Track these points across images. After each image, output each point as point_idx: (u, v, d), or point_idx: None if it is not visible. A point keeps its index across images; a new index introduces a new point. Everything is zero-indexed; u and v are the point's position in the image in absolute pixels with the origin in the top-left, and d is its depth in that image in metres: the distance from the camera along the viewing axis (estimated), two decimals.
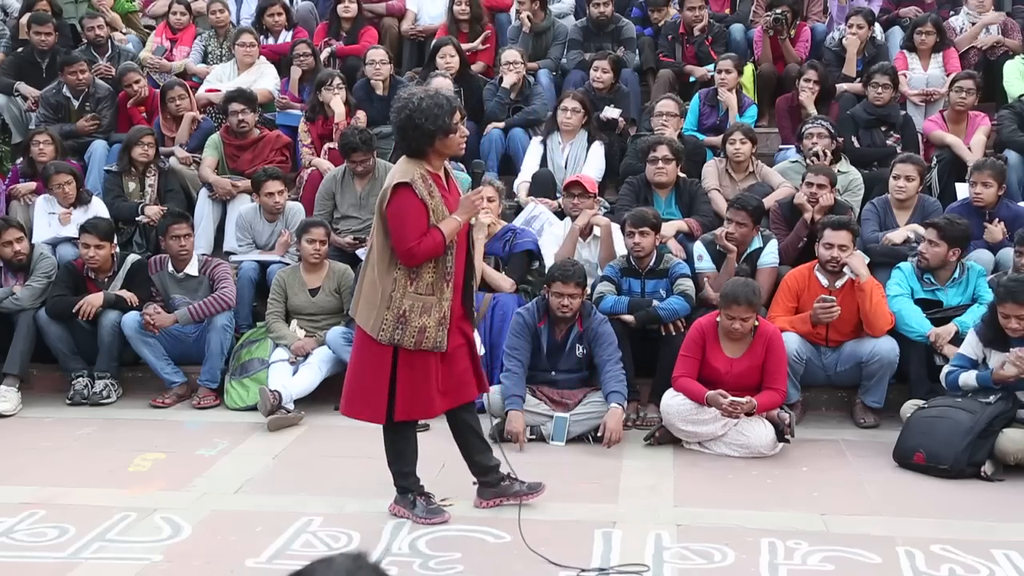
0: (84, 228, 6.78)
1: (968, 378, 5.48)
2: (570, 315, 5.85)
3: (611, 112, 8.06)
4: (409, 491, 4.73)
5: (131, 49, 9.65)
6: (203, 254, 7.25)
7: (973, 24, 8.86)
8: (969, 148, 7.59)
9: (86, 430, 6.14)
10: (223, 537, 4.55)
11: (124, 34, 10.02)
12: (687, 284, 6.30)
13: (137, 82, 8.62)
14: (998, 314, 5.42)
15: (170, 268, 6.88)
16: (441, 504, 4.84)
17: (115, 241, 6.98)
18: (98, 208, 7.46)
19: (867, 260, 6.24)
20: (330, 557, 1.85)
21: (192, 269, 6.86)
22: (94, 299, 6.65)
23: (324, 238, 6.78)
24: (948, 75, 8.28)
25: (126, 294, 6.73)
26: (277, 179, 7.38)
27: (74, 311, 6.62)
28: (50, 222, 7.44)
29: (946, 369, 5.66)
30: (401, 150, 4.67)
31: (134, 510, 4.79)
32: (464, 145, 7.45)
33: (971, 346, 5.60)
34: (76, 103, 8.49)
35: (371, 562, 1.84)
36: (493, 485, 4.81)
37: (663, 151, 7.06)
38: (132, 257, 6.95)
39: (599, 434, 5.70)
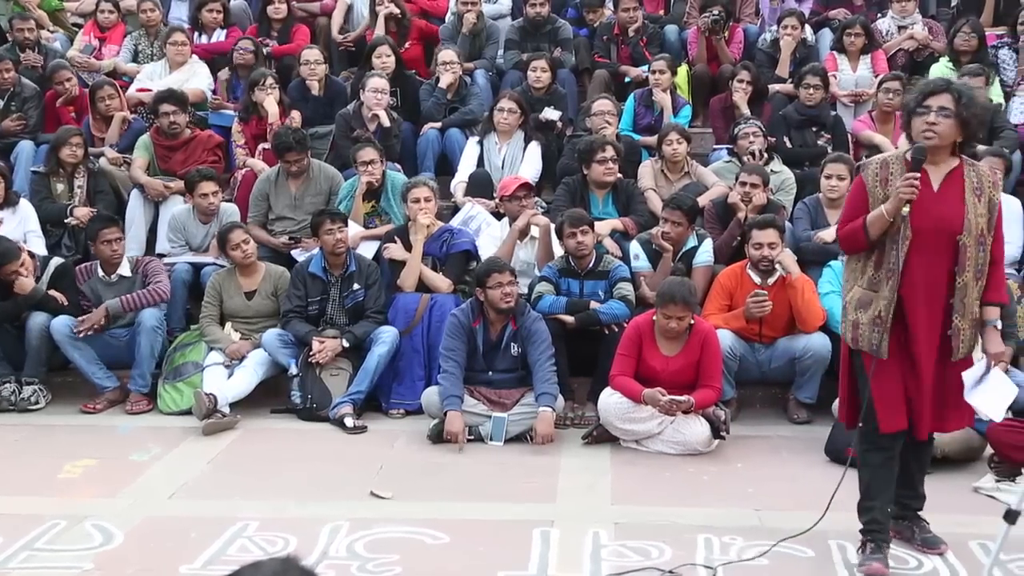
0: None
1: None
2: (513, 304, 5.87)
3: (551, 114, 8.07)
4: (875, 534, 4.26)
5: (58, 48, 9.45)
6: (132, 256, 7.09)
7: (900, 28, 9.04)
8: (896, 147, 7.75)
9: (14, 437, 6.01)
10: (156, 544, 4.47)
11: (51, 32, 9.82)
12: (627, 289, 6.32)
13: (68, 80, 8.44)
14: None
15: (100, 273, 6.74)
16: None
17: (20, 259, 6.56)
18: (25, 210, 7.28)
19: (795, 258, 6.35)
20: (259, 562, 1.83)
21: (124, 270, 6.75)
22: (25, 283, 6.49)
23: (245, 237, 6.69)
24: (876, 76, 8.44)
25: (55, 294, 6.59)
26: (211, 180, 7.27)
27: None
28: None
29: None
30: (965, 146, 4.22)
31: (64, 518, 4.70)
32: None
33: None
34: (1, 102, 8.29)
35: (300, 565, 1.83)
36: (905, 520, 4.45)
37: (611, 151, 7.10)
38: (56, 260, 6.81)
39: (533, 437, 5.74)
